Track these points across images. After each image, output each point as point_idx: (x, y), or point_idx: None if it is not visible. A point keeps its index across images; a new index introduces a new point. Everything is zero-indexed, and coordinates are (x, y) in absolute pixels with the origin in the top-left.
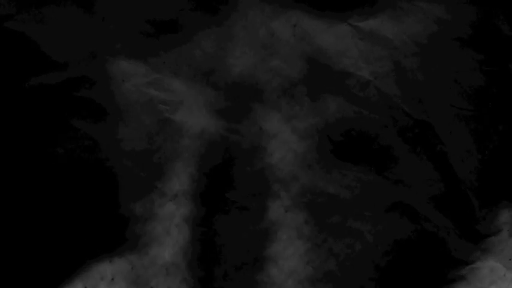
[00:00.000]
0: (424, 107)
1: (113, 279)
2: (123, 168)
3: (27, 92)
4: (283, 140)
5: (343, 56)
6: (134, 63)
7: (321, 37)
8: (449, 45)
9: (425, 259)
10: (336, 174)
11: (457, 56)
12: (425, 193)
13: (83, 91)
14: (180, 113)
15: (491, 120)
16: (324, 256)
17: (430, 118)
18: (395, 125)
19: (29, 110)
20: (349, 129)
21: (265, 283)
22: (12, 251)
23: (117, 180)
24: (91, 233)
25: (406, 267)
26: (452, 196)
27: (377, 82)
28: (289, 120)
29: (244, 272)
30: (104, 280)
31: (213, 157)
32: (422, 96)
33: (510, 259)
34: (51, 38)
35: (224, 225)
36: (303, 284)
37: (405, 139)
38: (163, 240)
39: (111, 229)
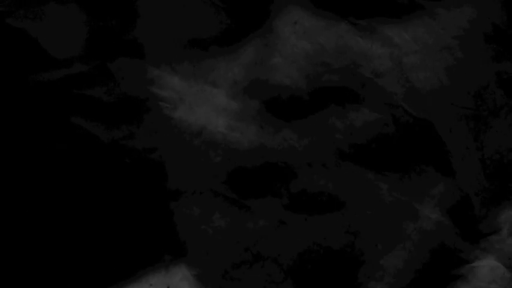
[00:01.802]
0: (424, 105)
1: None
2: (123, 166)
3: (28, 88)
4: (284, 138)
5: (343, 54)
6: (134, 60)
7: (321, 34)
8: (450, 43)
9: (426, 258)
10: (336, 172)
11: (458, 55)
12: (426, 192)
13: (83, 88)
14: (180, 111)
15: (491, 119)
16: (325, 254)
17: (431, 116)
18: (396, 123)
19: (29, 106)
20: (349, 127)
21: (263, 281)
22: (9, 249)
23: (117, 178)
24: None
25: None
26: (452, 195)
27: (377, 80)
28: (289, 118)
29: (243, 270)
30: None
31: (213, 155)
32: (423, 94)
33: (510, 258)
34: (52, 35)
35: (224, 224)
36: (303, 280)
37: (405, 137)
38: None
39: (111, 226)
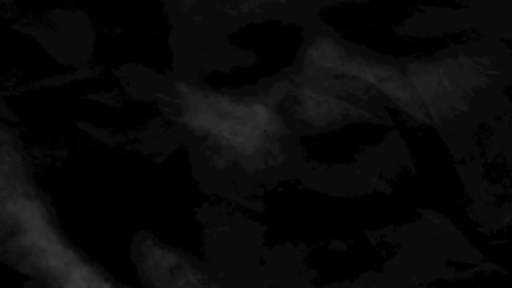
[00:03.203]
0: (427, 110)
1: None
2: (128, 171)
3: (33, 94)
4: (287, 143)
5: (347, 60)
6: (140, 66)
7: (325, 40)
8: (452, 48)
9: (427, 261)
10: (339, 176)
11: (460, 60)
12: (429, 196)
13: (88, 94)
14: (185, 116)
15: (494, 123)
16: (326, 257)
17: (433, 121)
18: (399, 128)
19: (34, 112)
20: (353, 132)
21: (267, 284)
22: None
23: (122, 183)
24: (93, 235)
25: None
26: (455, 199)
27: (381, 85)
28: (293, 123)
29: (248, 274)
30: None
31: (218, 159)
32: (426, 99)
33: None
34: (57, 41)
35: (229, 228)
36: (306, 285)
37: (408, 142)
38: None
39: (110, 231)
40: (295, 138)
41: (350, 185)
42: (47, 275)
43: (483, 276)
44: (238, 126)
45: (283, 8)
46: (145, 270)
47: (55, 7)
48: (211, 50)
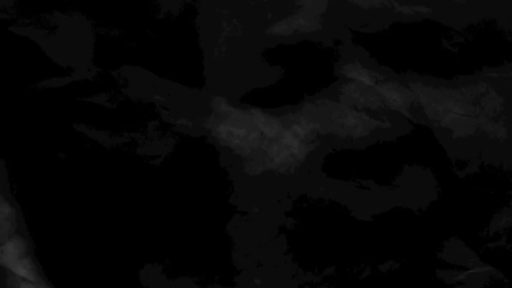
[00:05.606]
0: (423, 112)
1: None
2: (124, 172)
3: (30, 96)
4: (284, 145)
5: (344, 61)
6: (137, 68)
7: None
8: (448, 50)
9: (424, 264)
10: (336, 180)
11: (456, 60)
12: (425, 198)
13: (86, 96)
14: (182, 118)
15: (491, 125)
16: (324, 261)
17: (430, 123)
18: (395, 130)
19: (31, 114)
20: (350, 134)
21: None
22: None
23: (119, 186)
24: (90, 243)
25: (405, 272)
26: (451, 201)
27: (377, 87)
28: (290, 125)
29: (245, 277)
30: None
31: (215, 162)
32: (422, 101)
33: (509, 265)
34: (55, 43)
35: (225, 230)
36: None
37: (405, 144)
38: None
39: (109, 236)
40: (294, 141)
41: (360, 199)
42: None
43: (479, 278)
44: (235, 128)
45: (317, 30)
46: None
47: (54, 9)
48: (236, 65)
